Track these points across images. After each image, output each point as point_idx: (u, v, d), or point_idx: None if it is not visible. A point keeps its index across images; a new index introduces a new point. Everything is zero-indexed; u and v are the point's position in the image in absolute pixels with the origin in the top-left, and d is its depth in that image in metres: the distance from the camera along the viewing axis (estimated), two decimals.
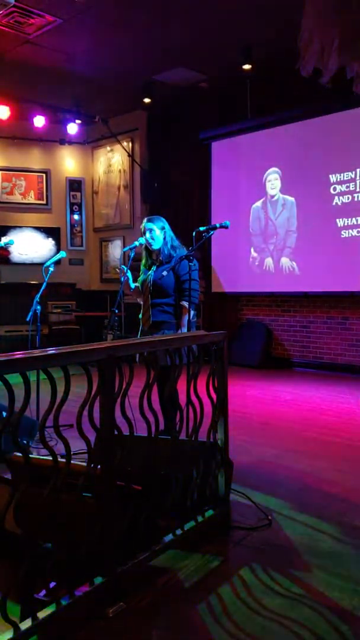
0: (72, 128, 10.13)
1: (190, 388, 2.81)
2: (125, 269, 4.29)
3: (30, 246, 10.95)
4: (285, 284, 8.60)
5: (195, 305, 4.24)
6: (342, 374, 7.96)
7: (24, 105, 9.55)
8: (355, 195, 7.75)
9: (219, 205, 9.40)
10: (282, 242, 8.61)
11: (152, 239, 4.25)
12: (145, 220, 4.32)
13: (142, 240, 4.37)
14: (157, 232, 4.24)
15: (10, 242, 5.61)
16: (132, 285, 4.36)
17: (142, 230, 4.29)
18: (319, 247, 8.14)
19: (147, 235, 4.25)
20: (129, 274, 4.30)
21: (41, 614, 2.02)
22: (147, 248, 4.32)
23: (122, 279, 4.31)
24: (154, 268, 4.27)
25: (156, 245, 4.26)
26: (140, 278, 4.35)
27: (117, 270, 4.45)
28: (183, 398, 2.89)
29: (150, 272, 4.28)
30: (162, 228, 4.26)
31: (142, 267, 4.40)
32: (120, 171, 10.97)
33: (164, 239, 4.25)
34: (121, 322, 9.00)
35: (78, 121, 10.11)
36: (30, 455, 2.11)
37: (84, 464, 2.30)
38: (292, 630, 2.14)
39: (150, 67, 8.46)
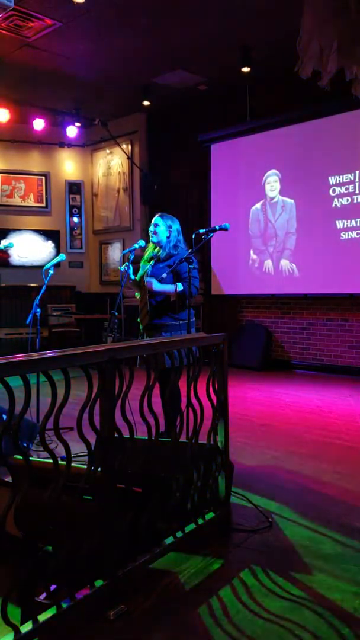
0: (72, 131, 10.13)
1: (191, 390, 2.81)
2: (124, 267, 4.30)
3: (30, 249, 10.95)
4: (285, 286, 8.61)
5: (194, 309, 4.25)
6: (342, 376, 7.96)
7: (24, 108, 9.56)
8: (355, 197, 7.76)
9: (218, 208, 9.41)
10: (282, 244, 8.62)
11: (155, 233, 4.30)
12: (157, 214, 4.38)
13: (141, 242, 4.40)
14: (162, 228, 4.29)
15: (10, 245, 5.62)
16: (132, 276, 4.38)
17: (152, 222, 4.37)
18: (319, 248, 8.15)
19: (151, 227, 4.33)
20: (130, 269, 4.32)
21: (42, 617, 2.02)
22: (154, 243, 4.35)
23: (122, 282, 4.31)
24: (152, 263, 4.29)
25: (156, 239, 4.31)
26: (139, 273, 4.37)
27: (119, 271, 4.44)
28: (183, 400, 2.89)
29: (148, 266, 4.29)
30: (169, 227, 4.29)
31: (142, 263, 4.42)
32: (119, 174, 10.97)
33: (168, 237, 4.27)
34: (121, 325, 9.00)
35: (77, 124, 10.13)
36: (31, 458, 2.11)
37: (85, 466, 2.30)
38: (294, 633, 2.14)
39: (150, 70, 8.47)
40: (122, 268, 4.33)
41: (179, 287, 4.16)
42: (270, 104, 8.55)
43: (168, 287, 4.16)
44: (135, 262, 4.67)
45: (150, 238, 4.35)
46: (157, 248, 4.33)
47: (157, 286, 4.16)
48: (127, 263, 4.33)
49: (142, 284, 4.28)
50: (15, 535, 2.09)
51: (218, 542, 2.88)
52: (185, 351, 2.96)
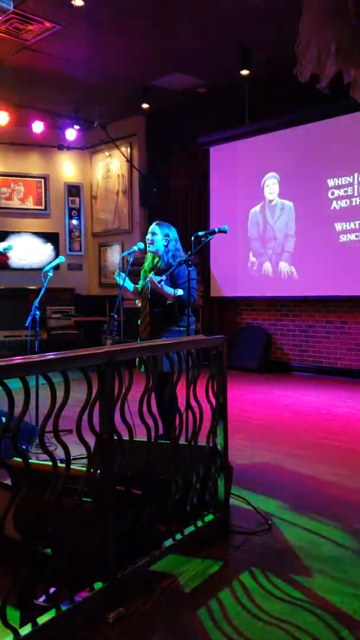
0: (71, 133, 10.14)
1: (190, 392, 2.81)
2: (123, 276, 4.26)
3: (29, 251, 10.95)
4: (284, 288, 8.61)
5: (192, 309, 4.22)
6: (341, 378, 7.96)
7: (23, 110, 9.57)
8: (354, 199, 7.77)
9: (217, 210, 9.42)
10: (281, 247, 8.63)
11: (152, 242, 4.25)
12: (154, 222, 4.34)
13: (140, 245, 4.37)
14: (159, 237, 4.24)
15: (9, 248, 5.62)
16: (130, 287, 4.35)
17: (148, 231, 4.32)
18: (318, 251, 8.15)
19: (149, 236, 4.27)
20: (127, 281, 4.28)
21: (41, 620, 2.02)
22: (151, 252, 4.32)
23: (121, 286, 4.28)
24: (152, 273, 4.25)
25: (153, 249, 4.26)
26: (140, 283, 4.35)
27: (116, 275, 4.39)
28: (182, 402, 2.89)
29: (149, 277, 4.27)
30: (167, 235, 4.24)
31: (142, 273, 4.39)
32: (118, 176, 10.99)
33: (166, 246, 4.24)
34: (120, 327, 9.00)
35: (76, 127, 10.13)
36: (30, 461, 2.11)
37: (84, 468, 2.30)
38: (293, 635, 2.14)
39: (149, 73, 8.49)
40: (117, 277, 4.27)
41: (178, 292, 4.10)
42: (269, 107, 8.55)
43: (168, 289, 4.12)
44: (135, 264, 4.66)
45: (148, 247, 4.29)
46: (156, 258, 4.30)
47: (160, 284, 4.04)
48: (124, 275, 4.27)
49: (144, 293, 4.26)
50: (15, 537, 2.09)
51: (217, 544, 2.88)
52: (184, 354, 2.95)
